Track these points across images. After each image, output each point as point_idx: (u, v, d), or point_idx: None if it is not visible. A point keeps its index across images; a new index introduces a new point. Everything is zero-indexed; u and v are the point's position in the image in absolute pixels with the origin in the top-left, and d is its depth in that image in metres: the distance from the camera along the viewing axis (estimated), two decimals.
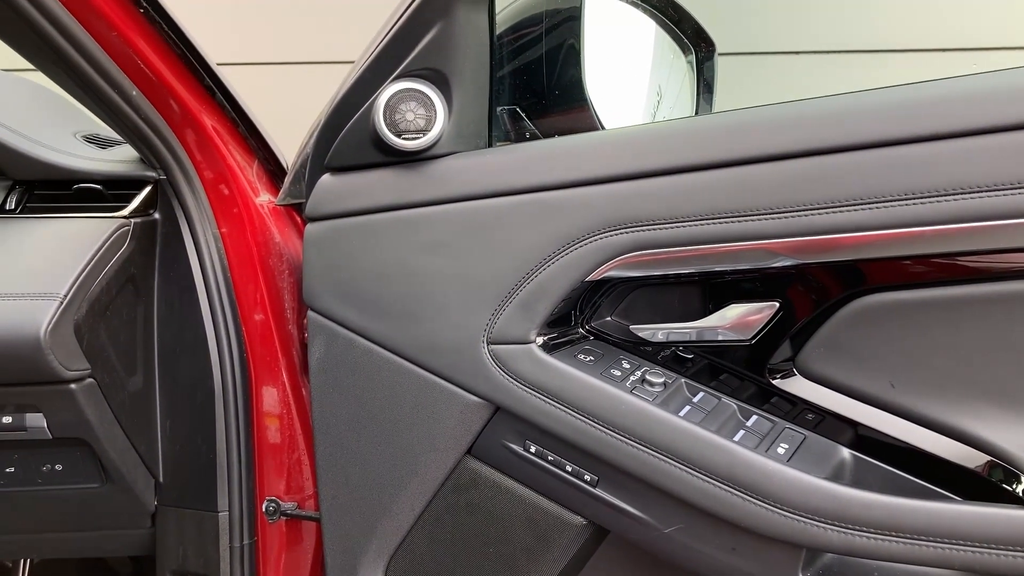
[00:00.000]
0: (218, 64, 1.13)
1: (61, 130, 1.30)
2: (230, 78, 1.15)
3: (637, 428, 0.89)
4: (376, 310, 1.01)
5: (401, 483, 1.04)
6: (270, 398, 1.19)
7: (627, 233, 0.90)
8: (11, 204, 1.22)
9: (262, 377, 1.18)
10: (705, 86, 1.32)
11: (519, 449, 0.98)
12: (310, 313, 1.06)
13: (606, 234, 0.91)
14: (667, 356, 1.00)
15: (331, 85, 1.05)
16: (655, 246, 0.90)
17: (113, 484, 1.16)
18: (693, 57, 1.31)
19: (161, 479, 1.20)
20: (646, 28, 1.29)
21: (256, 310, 1.17)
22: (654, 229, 0.89)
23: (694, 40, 1.32)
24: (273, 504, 1.19)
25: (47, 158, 1.21)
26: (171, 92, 1.08)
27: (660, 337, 0.97)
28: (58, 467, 1.15)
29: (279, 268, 1.20)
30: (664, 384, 0.92)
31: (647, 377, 0.93)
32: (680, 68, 1.31)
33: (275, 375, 1.19)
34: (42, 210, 1.20)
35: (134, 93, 1.05)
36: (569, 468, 0.95)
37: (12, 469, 1.14)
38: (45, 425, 1.08)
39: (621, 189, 0.91)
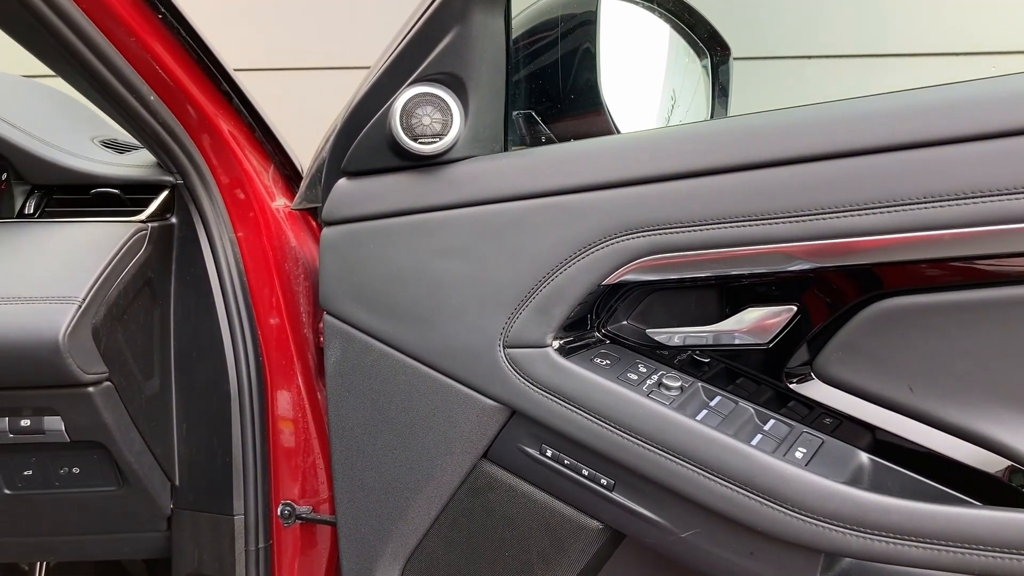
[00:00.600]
0: (235, 70, 1.13)
1: (79, 135, 1.30)
2: (246, 83, 1.16)
3: (654, 432, 0.89)
4: (392, 314, 1.01)
5: (417, 487, 1.04)
6: (285, 402, 1.19)
7: (644, 237, 0.90)
8: (30, 208, 1.23)
9: (278, 381, 1.19)
10: (720, 90, 1.32)
11: (535, 453, 0.97)
12: (326, 317, 1.07)
13: (622, 238, 0.91)
14: (684, 360, 1.00)
15: (347, 90, 1.05)
16: (672, 250, 0.90)
17: (129, 487, 1.16)
18: (708, 61, 1.31)
19: (177, 482, 1.21)
20: (661, 32, 1.29)
21: (272, 314, 1.18)
22: (671, 233, 0.89)
23: (709, 44, 1.32)
24: (288, 508, 1.19)
25: (65, 163, 1.22)
26: (188, 97, 1.09)
27: (677, 341, 0.96)
28: (75, 470, 1.15)
29: (295, 272, 1.20)
30: (681, 388, 0.92)
31: (664, 381, 0.93)
32: (695, 72, 1.31)
33: (290, 379, 1.19)
34: (60, 214, 1.21)
35: (152, 98, 1.06)
36: (585, 472, 0.95)
37: (30, 472, 1.14)
38: (63, 428, 1.09)
39: (637, 193, 0.91)
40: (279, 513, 1.19)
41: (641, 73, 1.26)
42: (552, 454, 0.96)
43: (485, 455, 1.01)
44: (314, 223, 1.26)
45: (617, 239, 0.91)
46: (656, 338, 0.98)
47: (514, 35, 1.11)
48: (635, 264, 0.91)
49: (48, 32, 0.95)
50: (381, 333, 1.02)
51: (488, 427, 0.99)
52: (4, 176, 1.24)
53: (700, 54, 1.30)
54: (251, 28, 2.73)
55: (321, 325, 1.10)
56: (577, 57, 1.17)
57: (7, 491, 1.15)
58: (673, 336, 0.97)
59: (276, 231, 1.18)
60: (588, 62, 1.16)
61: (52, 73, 1.05)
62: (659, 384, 0.93)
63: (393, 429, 1.04)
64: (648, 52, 1.28)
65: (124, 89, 1.03)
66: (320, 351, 1.18)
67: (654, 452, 0.89)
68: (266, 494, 1.19)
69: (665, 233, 0.89)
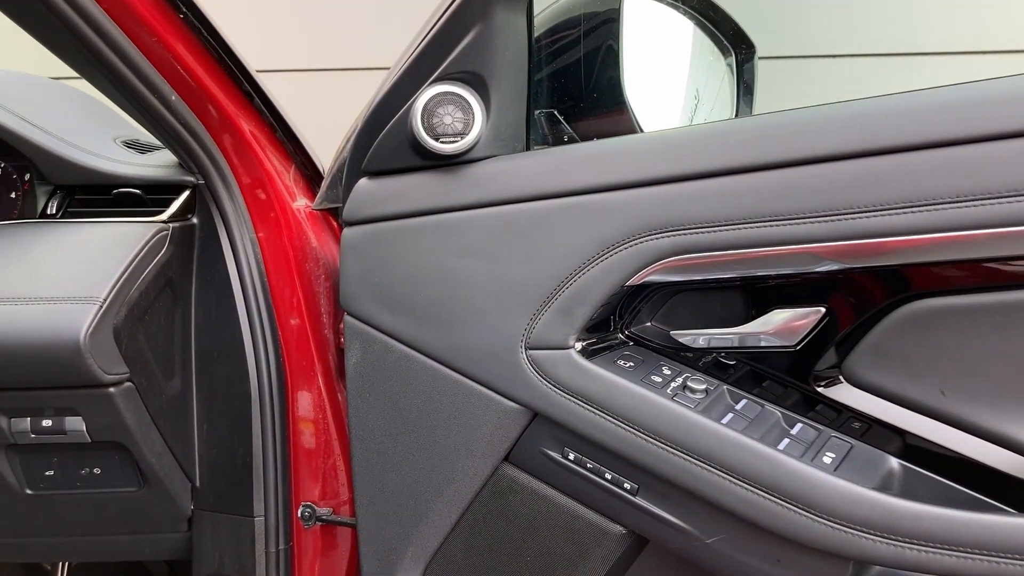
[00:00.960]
0: (257, 71, 1.13)
1: (102, 135, 1.31)
2: (268, 84, 1.16)
3: (678, 435, 0.88)
4: (413, 314, 1.00)
5: (438, 489, 1.03)
6: (306, 403, 1.19)
7: (668, 237, 0.88)
8: (52, 209, 1.23)
9: (298, 382, 1.18)
10: (745, 88, 1.30)
11: (557, 456, 0.96)
12: (347, 317, 1.06)
13: (647, 238, 0.89)
14: (708, 362, 0.98)
15: (367, 90, 1.04)
16: (697, 250, 0.88)
17: (150, 488, 1.16)
18: (733, 59, 1.29)
19: (197, 483, 1.20)
20: (685, 30, 1.27)
21: (292, 314, 1.17)
22: (696, 233, 0.87)
23: (734, 42, 1.30)
24: (309, 509, 1.19)
25: (88, 163, 1.22)
26: (209, 97, 1.09)
27: (701, 343, 0.95)
28: (96, 471, 1.15)
29: (315, 272, 1.19)
30: (706, 391, 0.91)
31: (688, 384, 0.91)
32: (719, 70, 1.29)
33: (311, 380, 1.19)
34: (82, 215, 1.21)
35: (173, 98, 1.05)
36: (608, 476, 0.93)
37: (51, 472, 1.14)
38: (84, 429, 1.09)
39: (662, 192, 0.89)
40: (299, 515, 1.19)
41: (665, 71, 1.25)
42: (574, 457, 0.95)
43: (507, 458, 1.00)
44: (335, 223, 1.25)
45: (641, 239, 0.89)
46: (680, 340, 0.96)
47: (536, 33, 1.10)
48: (659, 265, 0.90)
49: (70, 32, 0.95)
50: (402, 334, 1.01)
51: (509, 430, 0.98)
52: (27, 176, 1.24)
53: (724, 52, 1.29)
54: (272, 29, 2.74)
55: (341, 326, 1.09)
56: (600, 55, 1.15)
57: (29, 491, 1.16)
58: (698, 338, 0.95)
59: (297, 231, 1.18)
60: (611, 60, 1.15)
61: (76, 75, 1.05)
62: (684, 387, 0.91)
63: (414, 431, 1.03)
64: (672, 50, 1.27)
65: (145, 89, 1.03)
66: (340, 352, 1.18)
67: (679, 456, 0.87)
68: (286, 496, 1.18)
69: (690, 233, 0.88)
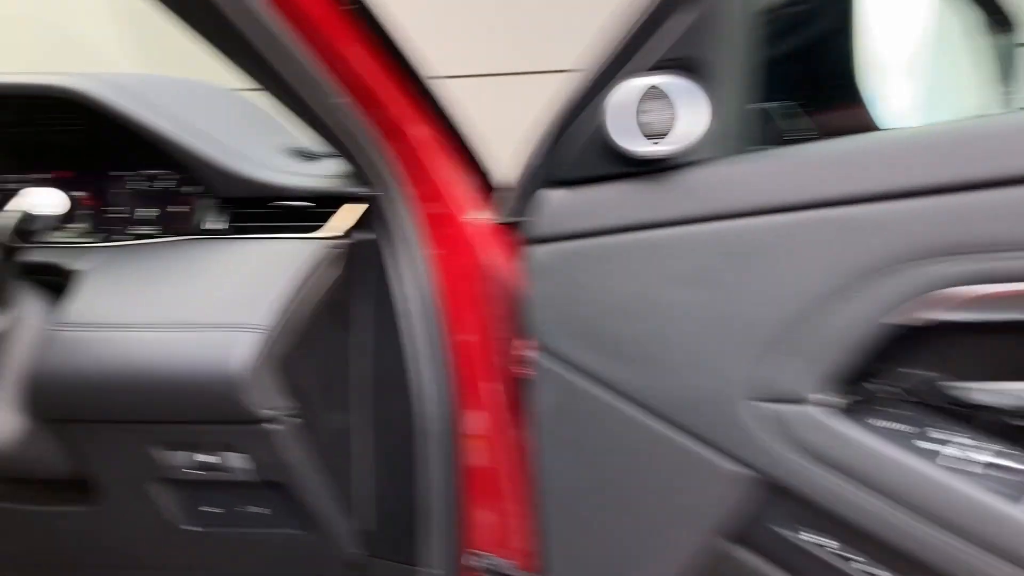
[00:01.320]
0: (432, 77, 1.03)
1: (267, 144, 1.25)
2: (442, 89, 1.05)
3: (967, 524, 0.68)
4: (614, 351, 0.87)
5: (639, 563, 0.89)
6: (479, 441, 1.07)
7: (947, 263, 0.71)
8: (218, 224, 1.18)
9: (471, 415, 1.07)
10: (1016, 73, 1.07)
11: (790, 535, 0.78)
12: (535, 351, 0.94)
13: (917, 264, 0.72)
14: (999, 426, 0.76)
15: (550, 95, 0.93)
16: (988, 280, 0.70)
17: (312, 530, 1.09)
18: (1004, 38, 1.06)
19: (362, 527, 1.12)
20: (937, 4, 1.06)
21: (467, 341, 1.06)
22: (988, 259, 0.69)
23: (999, 18, 1.07)
24: (484, 560, 1.07)
25: (257, 176, 1.16)
26: (380, 101, 0.99)
27: (998, 401, 0.74)
28: (261, 510, 1.09)
29: (494, 296, 1.08)
30: (1009, 467, 0.70)
31: (993, 459, 0.71)
32: (987, 52, 1.06)
33: (486, 415, 1.07)
34: (246, 230, 1.15)
35: (341, 102, 0.97)
36: (863, 567, 0.74)
37: (208, 508, 1.09)
38: (247, 466, 1.02)
39: (938, 205, 0.72)
40: (473, 566, 1.07)
41: (914, 54, 1.04)
42: (813, 539, 0.77)
43: (726, 533, 0.84)
44: (516, 240, 1.13)
45: (909, 265, 0.72)
46: (967, 397, 0.75)
47: (758, 11, 0.93)
48: (933, 298, 0.72)
49: (237, 34, 0.87)
50: (601, 373, 0.88)
51: (728, 498, 0.82)
52: (195, 190, 1.20)
53: (998, 28, 1.06)
54: (450, 33, 2.73)
55: (521, 354, 0.97)
56: (834, 36, 0.99)
57: (186, 527, 1.10)
58: (993, 394, 0.74)
59: (474, 249, 1.07)
60: (847, 42, 0.98)
61: (249, 87, 0.98)
62: (977, 461, 0.71)
63: (612, 489, 0.90)
64: (922, 28, 1.05)
65: (313, 93, 0.95)
66: (521, 385, 1.05)
67: (969, 551, 0.67)
68: (457, 544, 1.08)
69: (979, 259, 0.70)
